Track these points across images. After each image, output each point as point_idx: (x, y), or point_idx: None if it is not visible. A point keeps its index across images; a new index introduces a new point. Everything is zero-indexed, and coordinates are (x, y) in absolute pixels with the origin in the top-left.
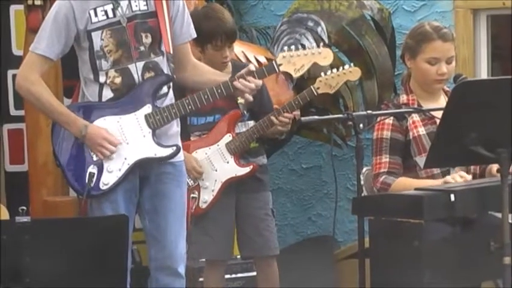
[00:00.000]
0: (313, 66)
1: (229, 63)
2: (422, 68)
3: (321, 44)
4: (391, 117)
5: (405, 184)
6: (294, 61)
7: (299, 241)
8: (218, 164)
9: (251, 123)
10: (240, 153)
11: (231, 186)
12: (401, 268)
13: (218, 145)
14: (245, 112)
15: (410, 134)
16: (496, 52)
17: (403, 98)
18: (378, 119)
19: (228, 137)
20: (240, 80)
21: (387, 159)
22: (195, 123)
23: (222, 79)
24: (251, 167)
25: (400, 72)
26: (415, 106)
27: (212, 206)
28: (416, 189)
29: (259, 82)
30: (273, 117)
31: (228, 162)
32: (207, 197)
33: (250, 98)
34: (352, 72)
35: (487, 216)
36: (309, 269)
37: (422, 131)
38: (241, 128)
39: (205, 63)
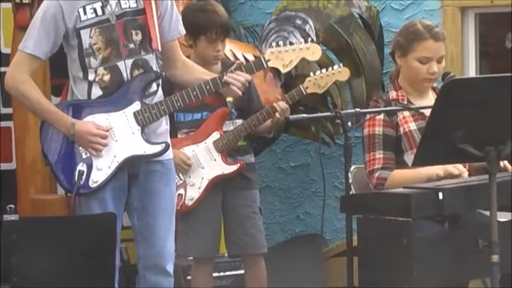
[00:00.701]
0: (302, 64)
1: (219, 61)
2: (412, 67)
3: (309, 39)
4: (382, 113)
5: (402, 176)
6: (282, 56)
7: (287, 239)
8: (205, 161)
9: (239, 121)
10: (228, 151)
11: (218, 184)
12: (389, 266)
13: (205, 143)
14: (233, 110)
15: (401, 129)
16: (484, 50)
17: (393, 94)
18: (368, 117)
19: (215, 135)
20: (229, 74)
21: (381, 155)
22: (182, 120)
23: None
24: (238, 165)
25: (388, 70)
26: (405, 102)
27: (198, 203)
28: (404, 187)
29: (248, 76)
30: (275, 104)
31: (215, 160)
32: (193, 194)
33: (239, 92)
34: (341, 72)
35: (476, 214)
36: (298, 267)
37: (413, 126)
38: (228, 126)
39: (196, 57)
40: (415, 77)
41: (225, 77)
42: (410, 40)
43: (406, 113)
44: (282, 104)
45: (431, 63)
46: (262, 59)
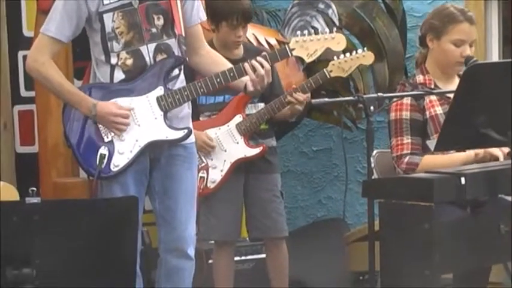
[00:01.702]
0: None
1: (241, 45)
2: (446, 49)
3: (334, 28)
4: (409, 97)
5: (434, 161)
6: (306, 46)
7: (309, 223)
8: (228, 144)
9: (261, 105)
10: (250, 134)
11: (240, 167)
12: (410, 251)
13: (228, 125)
14: None
15: (427, 113)
16: (507, 35)
17: (420, 78)
18: (394, 100)
19: (238, 118)
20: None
21: (409, 140)
22: (204, 103)
23: None
24: (261, 148)
25: (410, 55)
26: (432, 86)
27: (220, 186)
28: (426, 172)
29: (268, 67)
30: (288, 96)
31: (237, 143)
32: (215, 176)
33: (251, 87)
34: (365, 56)
35: (497, 199)
36: (319, 252)
37: (439, 110)
38: (251, 109)
39: (218, 41)
40: (448, 60)
41: (244, 64)
42: (445, 23)
43: (433, 97)
44: (300, 96)
45: (464, 46)
46: (286, 47)
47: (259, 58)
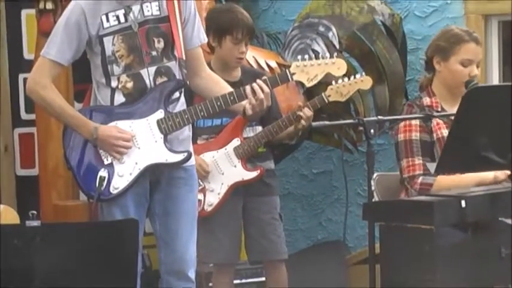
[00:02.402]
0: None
1: (239, 68)
2: (454, 70)
3: (335, 54)
4: (417, 119)
5: (449, 181)
6: (307, 70)
7: (309, 246)
8: (225, 167)
9: (259, 128)
10: (248, 157)
11: (239, 190)
12: (412, 274)
13: (226, 149)
14: None
15: (435, 135)
16: (508, 57)
17: (427, 100)
18: (397, 122)
19: (236, 141)
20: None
21: (420, 161)
22: (202, 126)
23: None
24: (258, 171)
25: (411, 77)
26: (439, 109)
27: (217, 209)
28: (427, 195)
29: (267, 90)
30: (297, 111)
31: (235, 166)
32: (212, 199)
33: (250, 111)
34: (363, 81)
35: (498, 222)
36: (320, 274)
37: (445, 132)
38: (248, 132)
39: (218, 61)
40: (457, 80)
41: (247, 88)
42: (452, 43)
43: (440, 120)
44: (307, 111)
45: (472, 66)
46: (287, 72)
47: (259, 81)
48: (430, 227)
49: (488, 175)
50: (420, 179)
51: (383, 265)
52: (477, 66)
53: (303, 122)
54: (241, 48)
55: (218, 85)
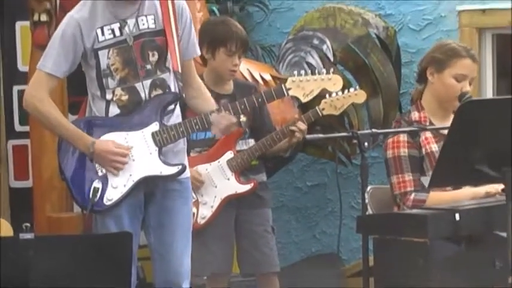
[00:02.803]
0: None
1: (231, 81)
2: (447, 83)
3: (331, 69)
4: (405, 134)
5: (441, 197)
6: (303, 86)
7: (303, 259)
8: (218, 180)
9: (251, 140)
10: (241, 170)
11: (231, 202)
12: (406, 287)
13: (219, 162)
14: (247, 130)
15: (423, 150)
16: (502, 71)
17: (415, 115)
18: (389, 137)
19: (229, 154)
20: (214, 115)
21: (411, 177)
22: (195, 138)
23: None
24: (252, 184)
25: (405, 90)
26: (427, 123)
27: (210, 222)
28: (421, 208)
29: (234, 119)
30: (290, 126)
31: (228, 179)
32: (205, 212)
33: (219, 133)
34: (357, 95)
35: (492, 235)
36: (313, 287)
37: (435, 147)
38: (241, 145)
39: (211, 73)
40: (448, 94)
41: (211, 117)
42: (448, 56)
43: (429, 134)
44: (301, 125)
45: (465, 82)
46: (283, 87)
47: (224, 115)
48: (424, 240)
49: (480, 190)
50: (412, 196)
51: (377, 278)
52: (470, 84)
53: (297, 135)
54: (235, 61)
55: (204, 103)
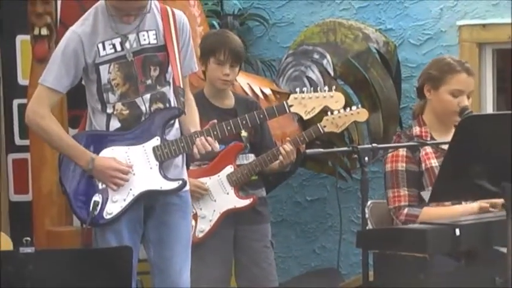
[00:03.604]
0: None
1: (232, 95)
2: (444, 99)
3: (333, 87)
4: (404, 149)
5: (434, 213)
6: (305, 103)
7: (303, 273)
8: (218, 194)
9: (251, 155)
10: (241, 185)
11: (230, 217)
12: None
13: (219, 176)
14: (247, 145)
15: (423, 165)
16: (502, 86)
17: (416, 130)
18: (390, 151)
19: (229, 169)
20: (198, 141)
21: (406, 192)
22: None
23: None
24: (251, 199)
25: (405, 105)
26: (428, 139)
27: (208, 236)
28: (421, 223)
29: (216, 147)
30: (281, 148)
31: (228, 194)
32: (204, 226)
33: (198, 155)
34: (360, 113)
35: (492, 251)
36: None
37: (434, 162)
38: (241, 160)
39: (209, 87)
40: (446, 110)
41: (196, 142)
42: (443, 72)
43: (429, 149)
44: (287, 147)
45: (462, 97)
46: (285, 104)
47: (209, 140)
48: (424, 255)
49: (473, 206)
50: (406, 210)
51: None
52: (468, 97)
53: (280, 157)
54: (225, 70)
55: (188, 120)
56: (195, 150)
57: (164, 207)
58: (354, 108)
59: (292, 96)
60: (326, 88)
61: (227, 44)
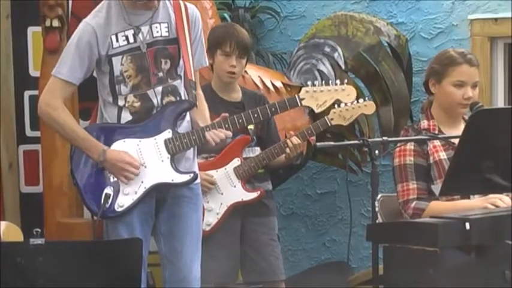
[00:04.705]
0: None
1: (239, 89)
2: (448, 92)
3: (345, 80)
4: (412, 143)
5: (441, 207)
6: (316, 96)
7: (313, 266)
8: (225, 187)
9: (257, 148)
10: (248, 178)
11: (237, 210)
12: None
13: (226, 169)
14: (254, 138)
15: (431, 158)
16: None
17: (424, 123)
18: (398, 145)
19: (236, 161)
20: (209, 132)
21: (415, 186)
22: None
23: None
24: (258, 192)
25: (416, 99)
26: (436, 132)
27: (215, 229)
28: (431, 216)
29: (229, 134)
30: (288, 141)
31: (235, 187)
32: (211, 219)
33: (213, 143)
34: (367, 106)
35: (503, 244)
36: None
37: (443, 155)
38: (248, 153)
39: (217, 80)
40: (451, 102)
41: (206, 134)
42: (445, 65)
43: (437, 142)
44: (294, 140)
45: (466, 88)
46: (296, 97)
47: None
48: (434, 249)
49: (478, 204)
50: (413, 204)
51: (387, 286)
52: (473, 88)
53: (287, 150)
54: (232, 62)
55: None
56: (209, 138)
57: (175, 199)
58: (361, 100)
59: (303, 90)
60: (338, 81)
61: (234, 36)
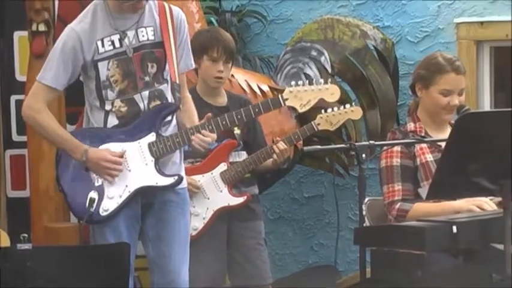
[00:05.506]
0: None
1: (224, 93)
2: (434, 99)
3: (329, 80)
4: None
5: (424, 209)
6: (300, 96)
7: (300, 270)
8: (211, 192)
9: (244, 153)
10: (234, 183)
11: (223, 214)
12: None
13: (212, 173)
14: (240, 142)
15: (418, 160)
16: (499, 83)
17: (411, 126)
18: (385, 148)
19: (222, 166)
20: (195, 136)
21: (400, 187)
22: (187, 149)
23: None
24: (245, 197)
25: (402, 102)
26: (422, 134)
27: (202, 234)
28: (418, 220)
29: (214, 136)
30: (274, 146)
31: (221, 191)
32: (197, 224)
33: (201, 149)
34: (354, 111)
35: (489, 248)
36: None
37: (429, 157)
38: (234, 157)
39: (202, 84)
40: (436, 108)
41: (192, 138)
42: (432, 72)
43: (424, 144)
44: (281, 145)
45: (452, 96)
46: (280, 97)
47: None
48: (422, 252)
49: (462, 206)
50: (398, 205)
51: None
52: (460, 95)
53: (274, 156)
54: (219, 67)
55: (184, 114)
56: (197, 146)
57: (162, 204)
58: (347, 106)
59: (287, 90)
60: (321, 81)
61: (220, 41)
